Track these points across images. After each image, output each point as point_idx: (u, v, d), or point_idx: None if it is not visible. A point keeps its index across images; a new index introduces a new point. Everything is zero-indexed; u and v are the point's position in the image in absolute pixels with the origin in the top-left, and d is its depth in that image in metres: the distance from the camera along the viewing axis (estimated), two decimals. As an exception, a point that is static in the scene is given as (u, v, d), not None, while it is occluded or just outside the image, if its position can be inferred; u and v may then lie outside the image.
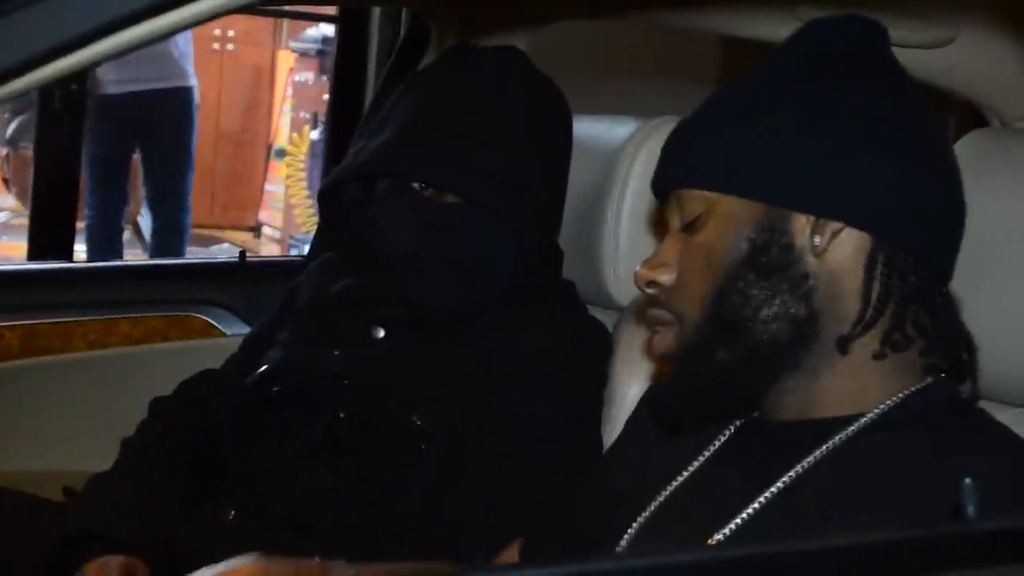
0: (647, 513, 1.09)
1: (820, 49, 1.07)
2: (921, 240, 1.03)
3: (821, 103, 1.03)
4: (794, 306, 1.01)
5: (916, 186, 1.02)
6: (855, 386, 1.03)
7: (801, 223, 1.02)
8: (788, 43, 1.10)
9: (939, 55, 1.60)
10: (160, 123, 4.62)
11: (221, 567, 1.09)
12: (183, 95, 4.71)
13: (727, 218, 1.03)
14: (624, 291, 1.60)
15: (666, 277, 1.07)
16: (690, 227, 1.06)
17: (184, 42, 4.72)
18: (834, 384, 1.03)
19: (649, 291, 1.08)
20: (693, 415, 1.10)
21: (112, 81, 4.46)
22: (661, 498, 1.09)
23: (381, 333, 1.56)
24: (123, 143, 4.64)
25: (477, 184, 1.49)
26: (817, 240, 1.01)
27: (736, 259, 1.02)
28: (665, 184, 1.10)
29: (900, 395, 1.03)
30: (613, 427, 1.49)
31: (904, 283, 1.02)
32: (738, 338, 1.02)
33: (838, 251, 1.02)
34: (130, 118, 4.53)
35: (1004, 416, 1.08)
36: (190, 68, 4.74)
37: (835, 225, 1.01)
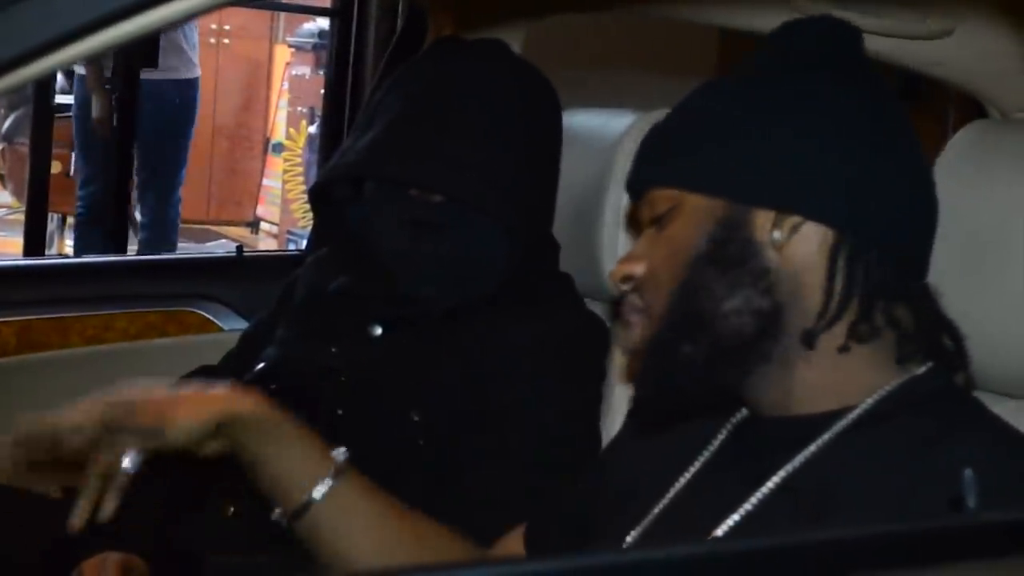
0: (649, 517, 1.09)
1: (791, 49, 1.08)
2: (886, 234, 1.03)
3: (782, 99, 1.04)
4: (756, 300, 1.02)
5: (878, 181, 1.02)
6: (835, 378, 1.03)
7: (762, 218, 1.02)
8: (761, 46, 1.11)
9: (938, 46, 1.59)
10: (166, 113, 4.62)
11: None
12: (192, 86, 4.74)
13: (692, 214, 1.05)
14: (623, 285, 1.59)
15: (638, 268, 1.08)
16: (659, 223, 1.08)
17: (192, 33, 4.74)
18: (811, 376, 1.03)
19: (623, 287, 1.10)
20: (668, 410, 1.11)
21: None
22: (662, 503, 1.10)
23: (378, 331, 1.56)
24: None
25: (463, 183, 1.49)
26: (777, 235, 1.02)
27: (697, 254, 1.03)
28: (636, 184, 1.12)
29: (889, 386, 1.03)
30: (612, 421, 1.49)
31: (868, 277, 1.02)
32: (702, 331, 1.03)
33: (800, 245, 1.02)
34: (146, 106, 4.49)
35: (1006, 407, 1.08)
36: (196, 59, 4.76)
37: (794, 219, 1.02)
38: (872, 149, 1.03)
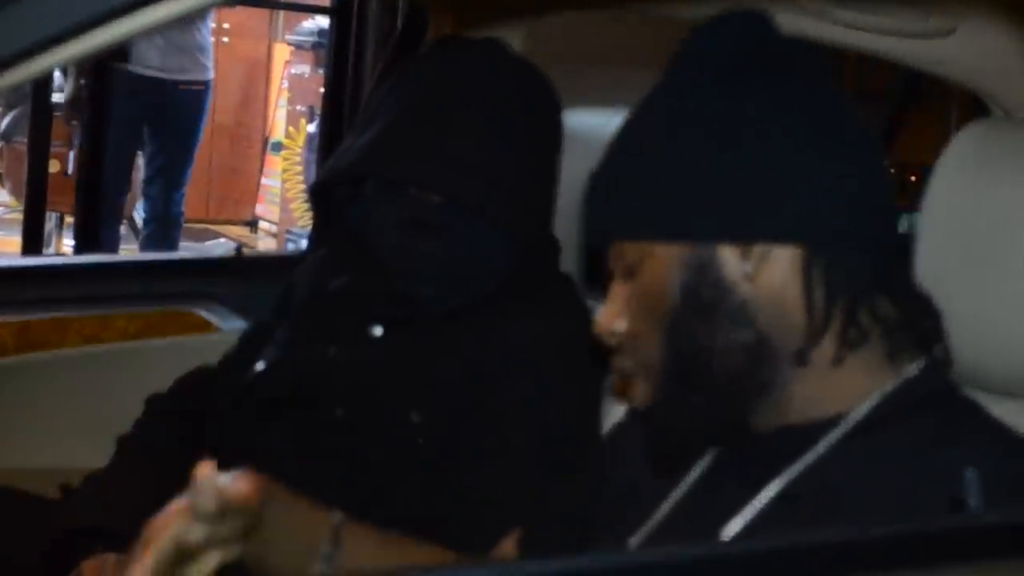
0: (650, 523, 1.09)
1: (705, 58, 1.05)
2: (856, 233, 1.01)
3: (715, 119, 1.02)
4: (739, 335, 1.01)
5: (831, 183, 1.00)
6: (831, 386, 1.02)
7: (728, 253, 1.01)
8: (675, 58, 1.08)
9: (940, 45, 1.59)
10: (179, 112, 4.73)
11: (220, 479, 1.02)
12: (207, 87, 4.82)
13: (658, 262, 1.03)
14: (624, 284, 1.59)
15: (620, 324, 1.07)
16: (629, 274, 1.06)
17: (204, 37, 4.83)
18: (808, 389, 1.02)
19: (610, 342, 1.09)
20: (684, 454, 1.10)
21: (154, 67, 4.61)
22: (662, 509, 1.09)
23: (378, 330, 1.55)
24: (138, 127, 4.72)
25: (462, 182, 1.48)
26: (747, 267, 1.00)
27: (673, 305, 1.02)
28: (595, 241, 1.11)
29: (884, 389, 1.02)
30: (613, 421, 1.48)
31: (847, 282, 1.01)
32: (700, 377, 1.02)
33: (773, 270, 1.01)
34: (155, 104, 4.64)
35: (1006, 407, 1.07)
36: (210, 63, 4.84)
37: (760, 247, 1.00)
38: (817, 150, 1.01)
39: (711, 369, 1.01)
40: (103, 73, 3.58)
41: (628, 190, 1.06)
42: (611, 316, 1.08)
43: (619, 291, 1.08)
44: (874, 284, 1.02)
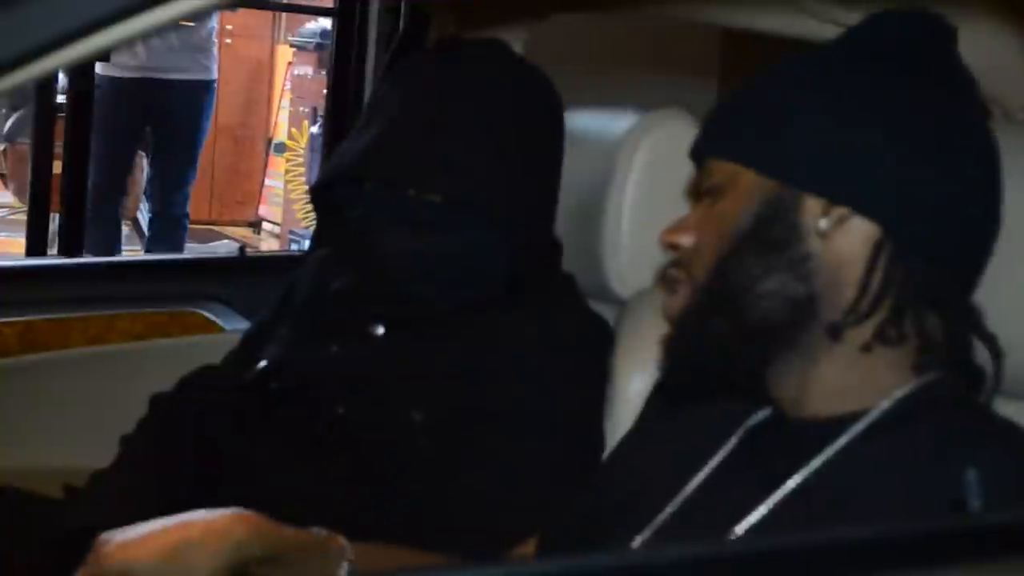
0: (660, 518, 1.09)
1: (876, 41, 1.07)
2: (935, 242, 1.02)
3: (854, 92, 1.04)
4: (792, 286, 1.02)
5: (935, 188, 1.02)
6: (853, 378, 1.03)
7: (812, 205, 1.02)
8: (851, 30, 1.11)
9: (941, 46, 1.58)
10: (179, 113, 4.72)
11: (204, 515, 1.07)
12: (208, 87, 4.83)
13: (744, 191, 1.05)
14: (626, 285, 1.59)
15: (686, 240, 1.09)
16: (713, 195, 1.08)
17: (206, 35, 4.84)
18: (831, 374, 1.03)
19: (669, 251, 1.11)
20: (692, 383, 1.12)
21: (151, 67, 4.61)
22: (674, 504, 1.09)
23: (380, 330, 1.56)
24: (138, 128, 4.72)
25: (460, 184, 1.49)
26: (823, 223, 1.02)
27: (740, 231, 1.04)
28: (697, 152, 1.13)
29: (904, 389, 1.02)
30: (616, 422, 1.49)
31: (907, 280, 1.01)
32: (732, 310, 1.03)
33: (846, 238, 1.02)
34: (155, 105, 4.64)
35: (1009, 409, 1.08)
36: (212, 63, 4.85)
37: (842, 210, 1.02)
38: (936, 155, 1.02)
39: (746, 305, 1.03)
40: (84, 73, 3.57)
41: (743, 115, 1.08)
42: (681, 230, 1.10)
43: (699, 211, 1.10)
44: (929, 296, 1.03)
